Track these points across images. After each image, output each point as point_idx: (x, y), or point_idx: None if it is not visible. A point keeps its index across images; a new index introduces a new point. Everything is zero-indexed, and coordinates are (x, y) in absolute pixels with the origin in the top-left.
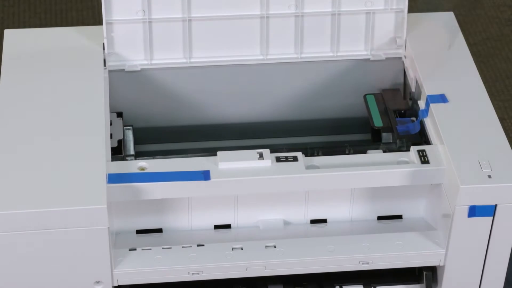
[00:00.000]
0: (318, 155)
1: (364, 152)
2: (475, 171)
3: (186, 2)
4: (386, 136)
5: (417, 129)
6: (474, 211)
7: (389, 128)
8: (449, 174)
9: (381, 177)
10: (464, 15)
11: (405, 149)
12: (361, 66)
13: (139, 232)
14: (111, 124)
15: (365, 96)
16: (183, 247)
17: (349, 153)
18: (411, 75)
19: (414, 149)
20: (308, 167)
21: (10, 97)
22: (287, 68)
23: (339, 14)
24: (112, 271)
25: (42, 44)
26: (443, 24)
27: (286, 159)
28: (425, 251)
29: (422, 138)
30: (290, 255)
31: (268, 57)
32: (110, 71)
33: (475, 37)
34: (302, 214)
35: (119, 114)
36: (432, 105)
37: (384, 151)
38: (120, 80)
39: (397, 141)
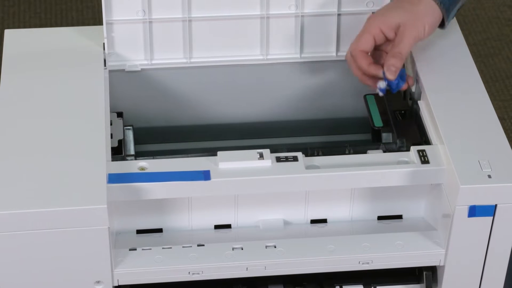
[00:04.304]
0: (318, 155)
1: (364, 152)
2: (475, 171)
3: (186, 2)
4: (386, 136)
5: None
6: (474, 211)
7: (389, 128)
8: (449, 174)
9: (381, 177)
10: (464, 15)
11: (405, 149)
12: None
13: (139, 232)
14: (111, 124)
15: (365, 96)
16: (183, 247)
17: (349, 153)
18: (411, 75)
19: (414, 149)
20: (308, 167)
21: (10, 97)
22: (287, 68)
23: (339, 15)
24: (112, 271)
25: (42, 44)
26: None
27: (286, 159)
28: (425, 251)
29: (422, 138)
30: (290, 255)
31: (268, 57)
32: (110, 71)
33: (475, 37)
34: (302, 214)
35: (119, 114)
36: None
37: (384, 151)
38: (120, 80)
39: (397, 141)
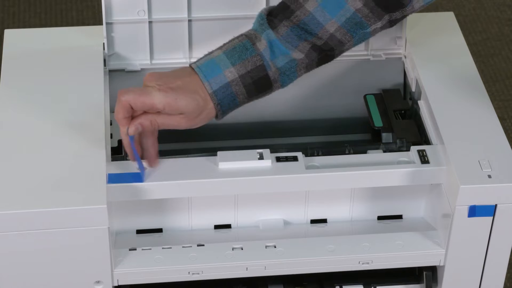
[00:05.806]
0: (318, 155)
1: (364, 152)
2: (475, 171)
3: (186, 2)
4: (386, 136)
5: None
6: (474, 211)
7: (389, 128)
8: (449, 174)
9: (381, 177)
10: (464, 15)
11: (405, 149)
12: (361, 66)
13: (139, 232)
14: (111, 124)
15: (365, 96)
16: (183, 247)
17: (349, 153)
18: (411, 75)
19: (414, 149)
20: (308, 167)
21: (10, 97)
22: None
23: None
24: (112, 271)
25: (42, 44)
26: (443, 24)
27: (286, 159)
28: (425, 251)
29: (422, 138)
30: (290, 255)
31: None
32: (110, 71)
33: (475, 37)
34: (302, 214)
35: None
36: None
37: (384, 151)
38: (120, 80)
39: (397, 141)
